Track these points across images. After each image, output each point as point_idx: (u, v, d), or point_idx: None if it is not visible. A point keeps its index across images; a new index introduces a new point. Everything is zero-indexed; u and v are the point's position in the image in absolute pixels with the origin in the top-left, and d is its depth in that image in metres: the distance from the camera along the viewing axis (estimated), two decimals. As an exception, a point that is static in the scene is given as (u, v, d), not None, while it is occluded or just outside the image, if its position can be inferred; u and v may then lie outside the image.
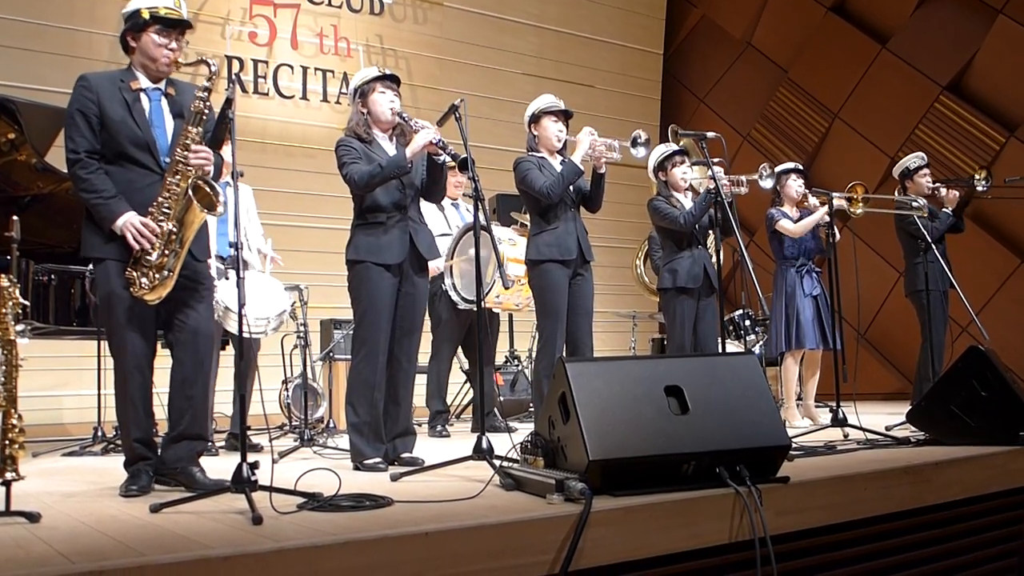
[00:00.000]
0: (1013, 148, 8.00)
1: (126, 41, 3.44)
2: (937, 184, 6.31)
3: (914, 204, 6.01)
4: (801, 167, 6.18)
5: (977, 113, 8.28)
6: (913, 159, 6.39)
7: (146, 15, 3.36)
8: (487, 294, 5.52)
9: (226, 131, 3.26)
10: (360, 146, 4.04)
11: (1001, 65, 8.16)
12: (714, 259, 4.88)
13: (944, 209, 6.23)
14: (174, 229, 3.27)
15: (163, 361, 3.46)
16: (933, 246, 5.72)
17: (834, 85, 9.46)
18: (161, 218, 3.28)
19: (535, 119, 4.85)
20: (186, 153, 3.28)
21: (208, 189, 3.25)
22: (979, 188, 6.27)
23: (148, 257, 3.25)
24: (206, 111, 3.35)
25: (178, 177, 3.29)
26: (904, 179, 6.38)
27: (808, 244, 5.90)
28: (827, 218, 5.25)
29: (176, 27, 3.41)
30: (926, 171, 6.31)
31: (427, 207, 5.08)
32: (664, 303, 5.53)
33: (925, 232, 5.71)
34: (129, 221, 3.25)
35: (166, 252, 3.26)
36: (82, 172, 3.28)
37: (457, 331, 6.12)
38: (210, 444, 4.78)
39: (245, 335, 4.82)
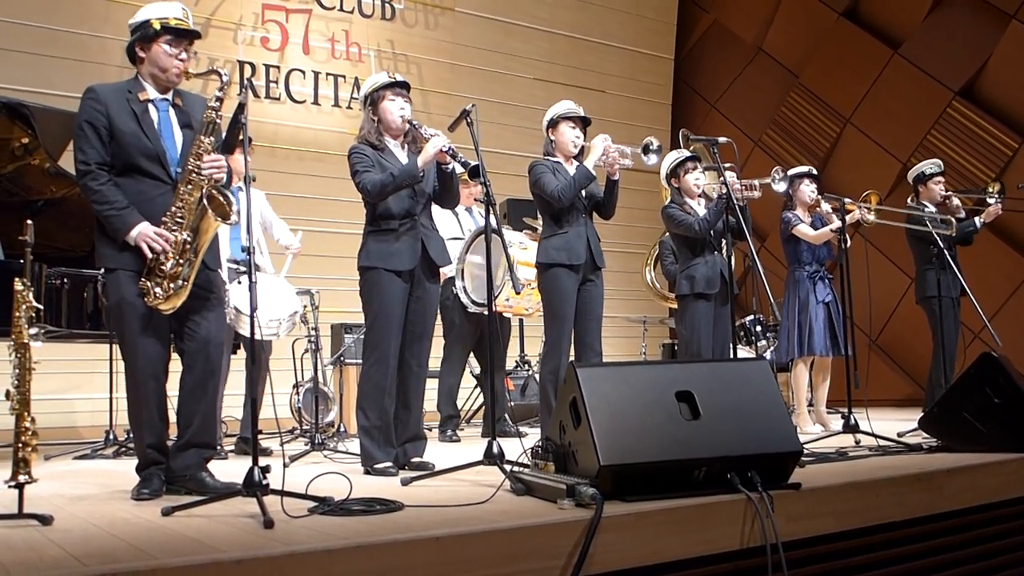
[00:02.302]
0: (1026, 154, 7.96)
1: (134, 52, 3.44)
2: (950, 192, 6.28)
3: (927, 210, 5.99)
4: (815, 171, 6.16)
5: (990, 119, 8.25)
6: (929, 165, 6.37)
7: (156, 25, 3.36)
8: (497, 297, 5.53)
9: (239, 136, 3.27)
10: (372, 153, 4.05)
11: (1014, 71, 8.13)
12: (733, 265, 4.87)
13: (975, 219, 6.18)
14: (188, 239, 3.28)
15: (173, 365, 3.46)
16: (945, 252, 5.69)
17: (846, 90, 9.44)
18: (174, 228, 3.29)
19: (553, 124, 4.86)
20: (199, 163, 3.30)
21: (222, 199, 3.26)
22: (991, 201, 6.23)
23: (162, 267, 3.26)
24: (218, 120, 3.36)
25: (191, 187, 3.30)
26: (917, 184, 6.35)
27: (821, 250, 5.87)
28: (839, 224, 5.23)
29: (186, 37, 3.42)
30: (940, 178, 6.29)
31: (441, 212, 5.10)
32: (681, 309, 5.51)
33: (937, 237, 5.68)
34: (143, 232, 3.26)
35: (180, 262, 3.27)
36: (93, 184, 3.29)
37: (469, 336, 6.13)
38: (219, 448, 4.79)
39: (257, 337, 4.84)
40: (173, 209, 3.30)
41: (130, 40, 3.44)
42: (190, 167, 3.30)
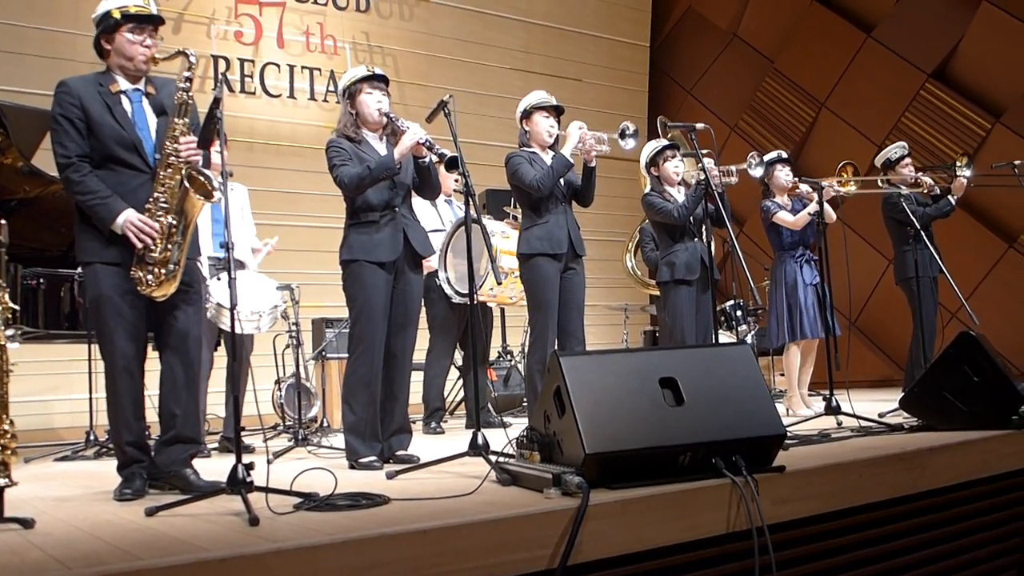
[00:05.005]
0: (999, 134, 8.02)
1: (100, 45, 3.42)
2: (919, 173, 6.30)
3: (903, 192, 6.02)
4: (786, 155, 6.17)
5: (963, 100, 8.31)
6: (895, 149, 6.39)
7: (117, 15, 3.35)
8: (480, 287, 5.52)
9: (214, 131, 3.25)
10: (350, 147, 4.03)
11: (986, 52, 8.18)
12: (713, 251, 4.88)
13: (948, 196, 6.19)
14: (174, 222, 3.28)
15: (153, 363, 3.44)
16: (922, 232, 5.73)
17: (820, 74, 9.48)
18: (159, 213, 3.28)
19: (527, 115, 4.85)
20: (176, 146, 3.28)
21: (202, 178, 3.25)
22: (960, 175, 6.26)
23: (151, 254, 3.24)
24: (190, 101, 3.34)
25: (170, 170, 3.29)
26: (886, 170, 6.37)
27: (806, 232, 5.88)
28: (818, 207, 5.25)
29: (149, 22, 3.39)
30: (908, 161, 6.31)
31: (421, 204, 5.07)
32: (663, 296, 5.52)
33: (914, 219, 5.72)
34: (129, 219, 3.24)
35: (169, 246, 3.26)
36: (75, 175, 3.27)
37: (454, 327, 6.11)
38: (203, 446, 4.76)
39: (238, 331, 4.81)
40: (156, 195, 3.29)
41: (95, 34, 3.41)
42: (168, 151, 3.29)
